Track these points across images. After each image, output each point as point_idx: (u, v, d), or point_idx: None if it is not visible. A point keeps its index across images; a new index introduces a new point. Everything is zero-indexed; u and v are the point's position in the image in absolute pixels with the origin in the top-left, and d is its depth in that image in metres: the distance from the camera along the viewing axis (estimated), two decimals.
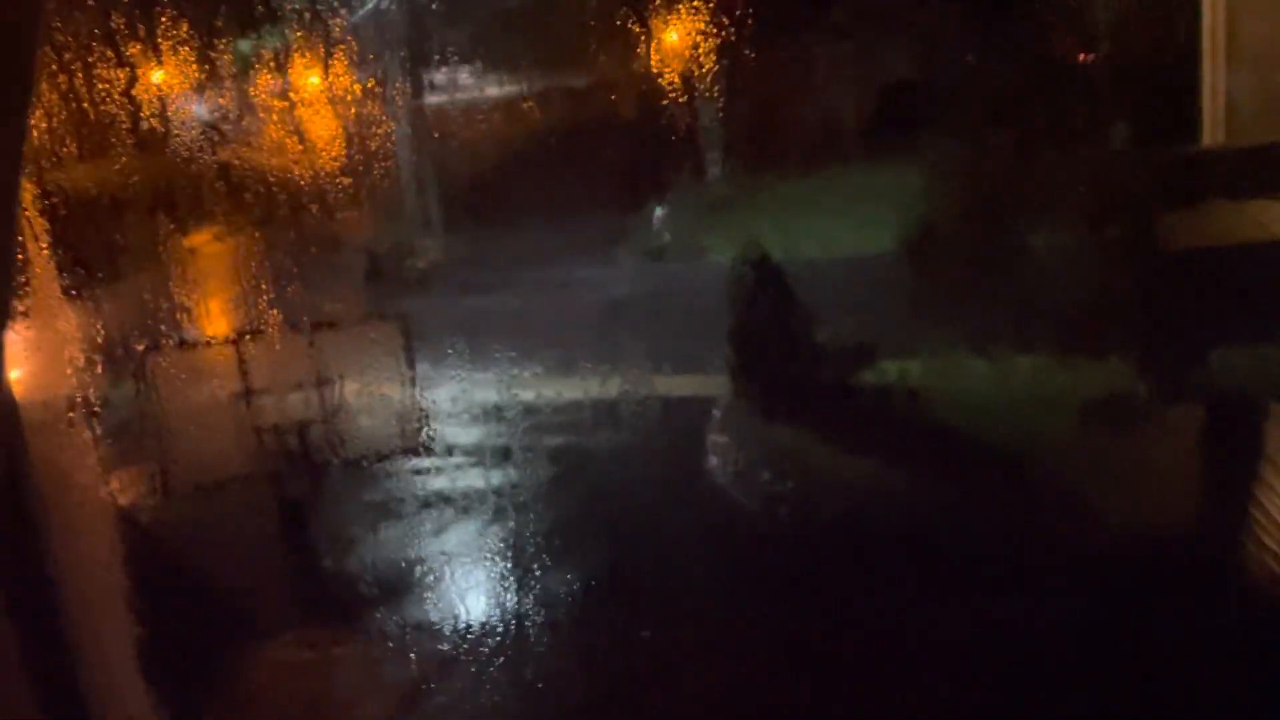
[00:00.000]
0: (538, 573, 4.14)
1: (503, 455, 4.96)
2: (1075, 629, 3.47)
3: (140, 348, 4.94)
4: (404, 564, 4.29)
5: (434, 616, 4.05)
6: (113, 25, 5.38)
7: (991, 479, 4.18)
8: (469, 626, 4.02)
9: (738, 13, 6.02)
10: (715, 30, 6.17)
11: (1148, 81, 5.29)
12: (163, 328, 5.05)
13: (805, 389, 5.01)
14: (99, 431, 3.56)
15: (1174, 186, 4.73)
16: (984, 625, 3.62)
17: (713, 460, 4.88)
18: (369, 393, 5.04)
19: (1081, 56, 5.29)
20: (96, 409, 3.74)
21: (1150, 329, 4.30)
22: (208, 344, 5.27)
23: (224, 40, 6.02)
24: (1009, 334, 4.64)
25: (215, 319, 5.44)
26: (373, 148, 6.30)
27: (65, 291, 4.16)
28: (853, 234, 5.82)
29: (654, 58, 6.46)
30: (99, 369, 4.38)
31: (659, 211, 6.80)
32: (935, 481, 4.30)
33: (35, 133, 4.86)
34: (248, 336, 5.22)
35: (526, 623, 3.95)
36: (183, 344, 5.11)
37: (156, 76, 5.77)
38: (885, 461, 4.49)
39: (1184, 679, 3.29)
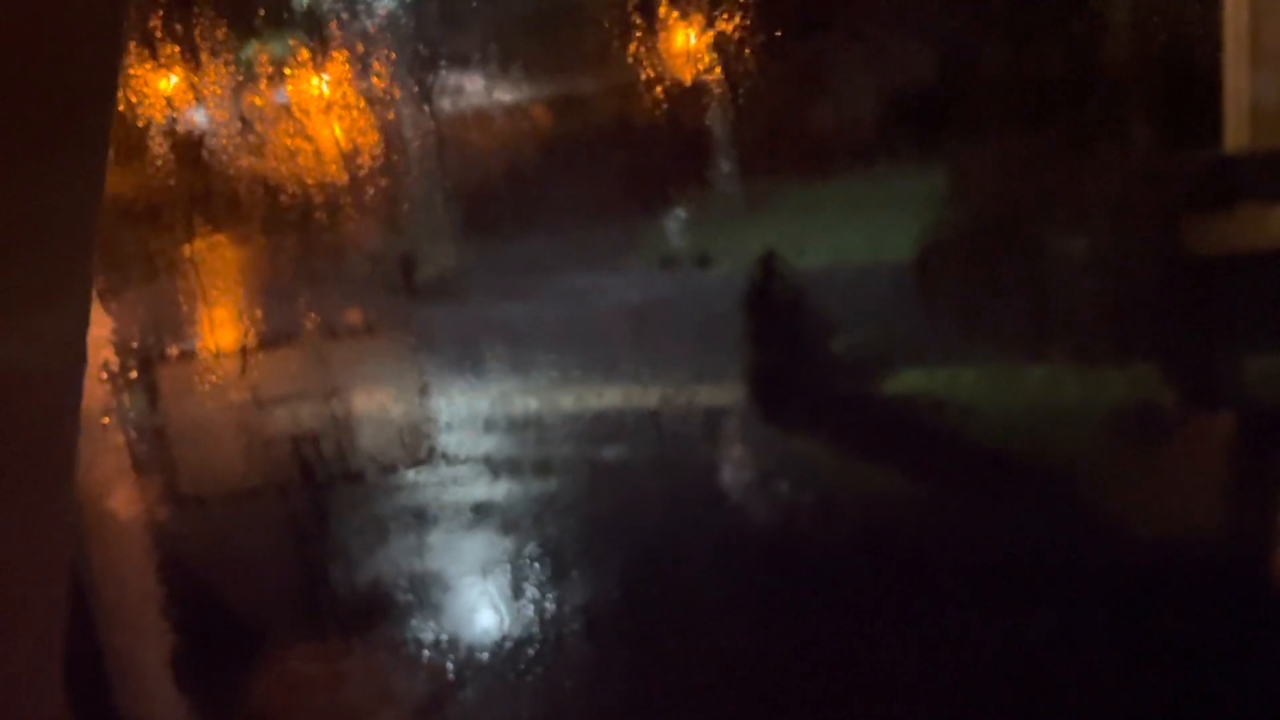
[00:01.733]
0: (552, 587, 4.10)
1: (511, 467, 4.92)
2: (1101, 641, 3.41)
3: (145, 355, 4.92)
4: (422, 577, 4.26)
5: (454, 630, 4.01)
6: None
7: (1014, 488, 4.12)
8: (493, 640, 3.98)
9: (753, 15, 5.97)
10: (729, 34, 6.13)
11: (1169, 84, 5.22)
12: (165, 337, 5.03)
13: (823, 398, 4.96)
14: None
15: (1198, 191, 4.67)
16: (1009, 640, 3.56)
17: (728, 472, 4.83)
18: (380, 403, 5.01)
19: (1101, 58, 5.22)
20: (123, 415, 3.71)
21: (1176, 336, 4.24)
22: (209, 354, 5.23)
23: (230, 46, 6.00)
24: (1030, 342, 4.58)
25: (219, 328, 5.41)
26: (386, 154, 6.27)
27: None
28: (869, 240, 5.76)
29: (669, 63, 6.42)
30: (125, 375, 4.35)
31: (673, 219, 6.74)
32: (957, 492, 4.24)
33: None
34: (272, 345, 5.19)
35: (544, 638, 3.91)
36: (183, 354, 5.09)
37: (163, 82, 5.74)
38: (905, 472, 4.44)
39: (1211, 691, 3.24)
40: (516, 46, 7.03)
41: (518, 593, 4.09)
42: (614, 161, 6.43)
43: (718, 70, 6.36)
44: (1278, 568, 3.38)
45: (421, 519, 4.46)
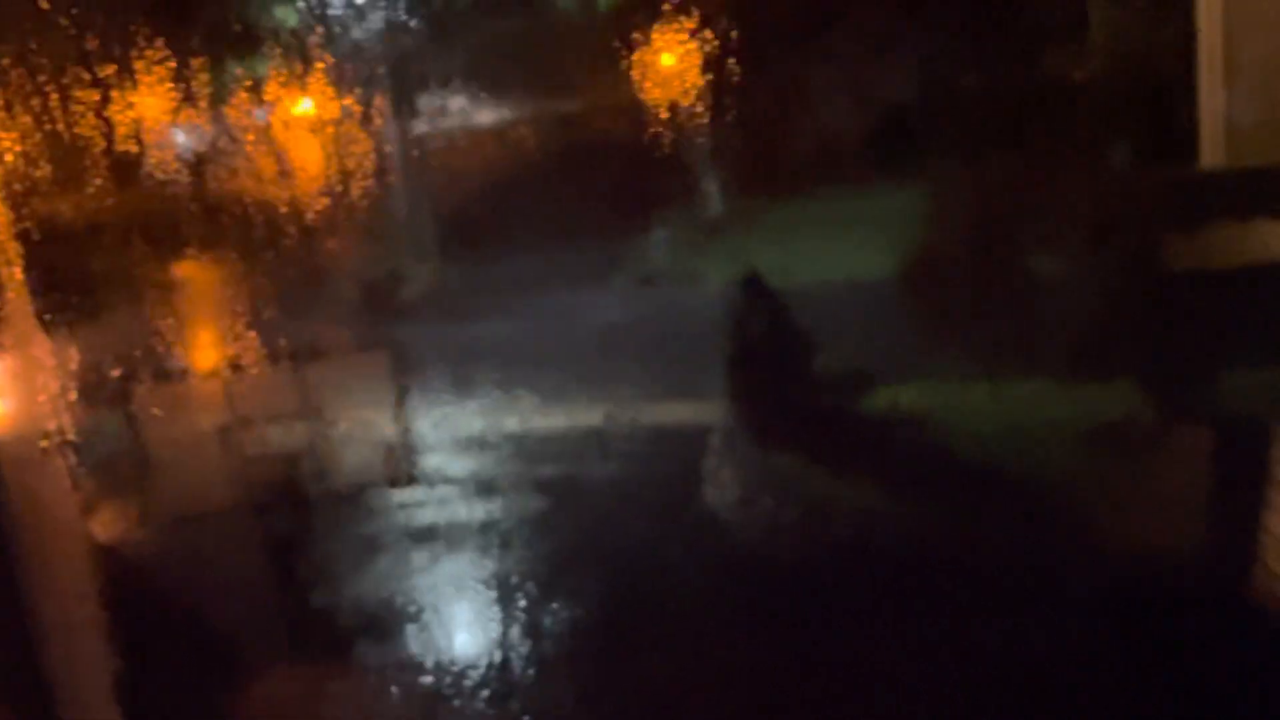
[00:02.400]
0: (531, 608, 4.08)
1: (497, 487, 4.90)
2: (1082, 654, 3.42)
3: (119, 378, 4.89)
4: (393, 599, 4.23)
5: (426, 652, 3.99)
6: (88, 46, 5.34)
7: (994, 505, 4.14)
8: (464, 662, 3.96)
9: (733, 35, 6.01)
10: (709, 54, 6.17)
11: (1144, 102, 5.28)
12: (144, 357, 5.01)
13: (805, 415, 4.97)
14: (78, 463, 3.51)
15: (1174, 208, 4.72)
16: (990, 654, 3.57)
17: (712, 489, 4.83)
18: (356, 424, 4.99)
19: (1077, 78, 5.28)
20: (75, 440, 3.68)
21: (1153, 353, 4.27)
22: (192, 376, 5.21)
23: (206, 63, 5.99)
24: (1008, 359, 4.61)
25: (203, 350, 5.39)
26: (363, 172, 6.27)
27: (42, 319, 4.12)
28: (849, 258, 5.79)
29: (648, 81, 6.45)
30: (78, 399, 4.32)
31: (654, 236, 6.76)
32: (939, 508, 4.26)
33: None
34: (237, 367, 5.17)
35: (522, 660, 3.89)
36: (167, 375, 5.07)
37: (137, 99, 5.73)
38: (887, 489, 4.45)
39: (1190, 704, 3.25)
40: (497, 67, 7.05)
41: (500, 614, 4.07)
42: (595, 181, 6.45)
43: (698, 91, 6.40)
44: (1254, 581, 3.41)
45: (402, 541, 4.44)
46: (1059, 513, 3.89)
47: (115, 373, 5.01)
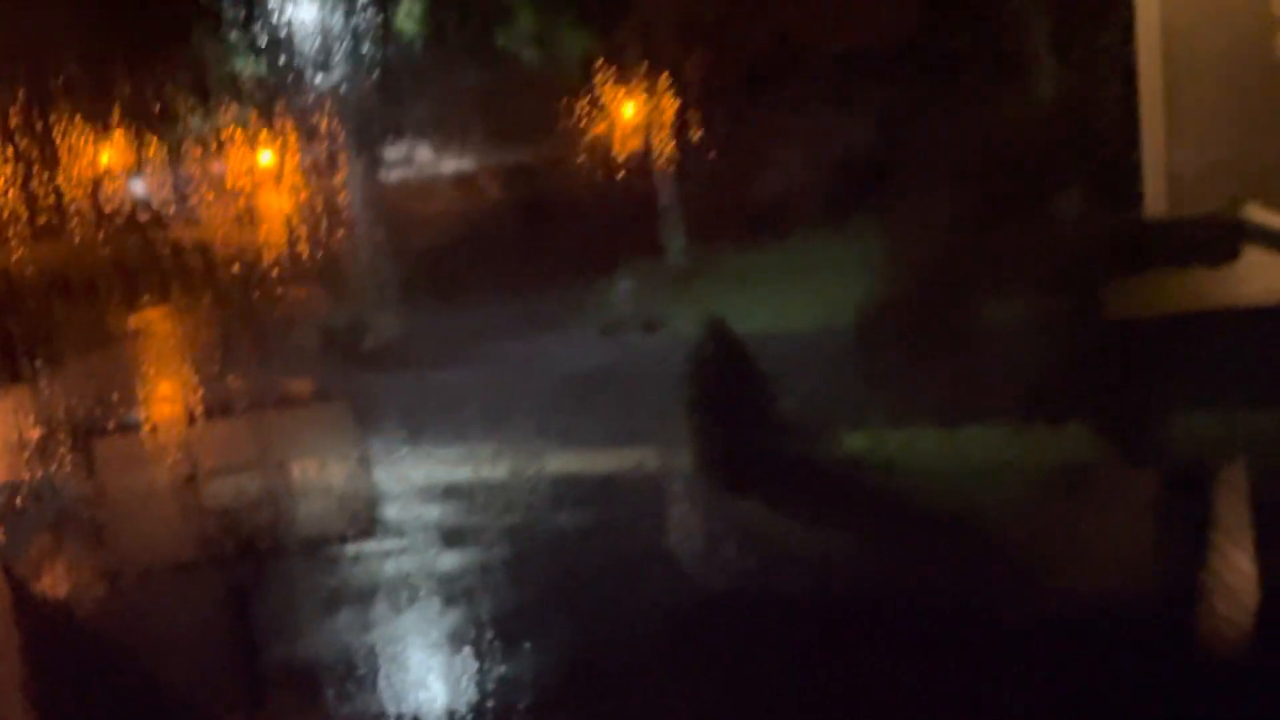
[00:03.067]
0: (497, 657, 4.06)
1: (459, 537, 4.88)
2: (1039, 693, 3.47)
3: (78, 432, 4.85)
4: (355, 652, 4.19)
5: (389, 705, 3.96)
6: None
7: (947, 545, 4.19)
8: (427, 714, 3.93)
9: (694, 90, 6.14)
10: (672, 108, 6.29)
11: (1089, 153, 5.44)
12: (103, 411, 4.97)
13: (766, 462, 5.01)
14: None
15: (1117, 256, 4.84)
16: (949, 695, 3.61)
17: (674, 536, 4.85)
18: (318, 474, 4.96)
19: (1026, 132, 5.45)
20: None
21: (1101, 398, 4.36)
22: (151, 427, 5.17)
23: (167, 119, 6.02)
24: (959, 403, 4.69)
25: (161, 401, 5.36)
26: (325, 225, 6.29)
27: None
28: (802, 307, 5.88)
29: (612, 134, 6.56)
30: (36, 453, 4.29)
31: (618, 286, 6.83)
32: (896, 551, 4.30)
33: None
34: (194, 418, 5.14)
35: (486, 711, 3.87)
36: (125, 427, 5.03)
37: (100, 156, 5.75)
38: (846, 533, 4.49)
39: None
40: (462, 119, 7.13)
41: (464, 663, 4.04)
42: (557, 231, 6.51)
43: (660, 143, 6.50)
44: (1199, 618, 3.48)
45: (364, 592, 4.41)
46: (1009, 553, 3.94)
47: (68, 427, 4.96)
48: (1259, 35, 5.18)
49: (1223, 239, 4.70)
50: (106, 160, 5.83)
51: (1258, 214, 4.89)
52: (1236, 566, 3.63)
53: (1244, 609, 3.52)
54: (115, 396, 5.14)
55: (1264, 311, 4.28)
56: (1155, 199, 5.25)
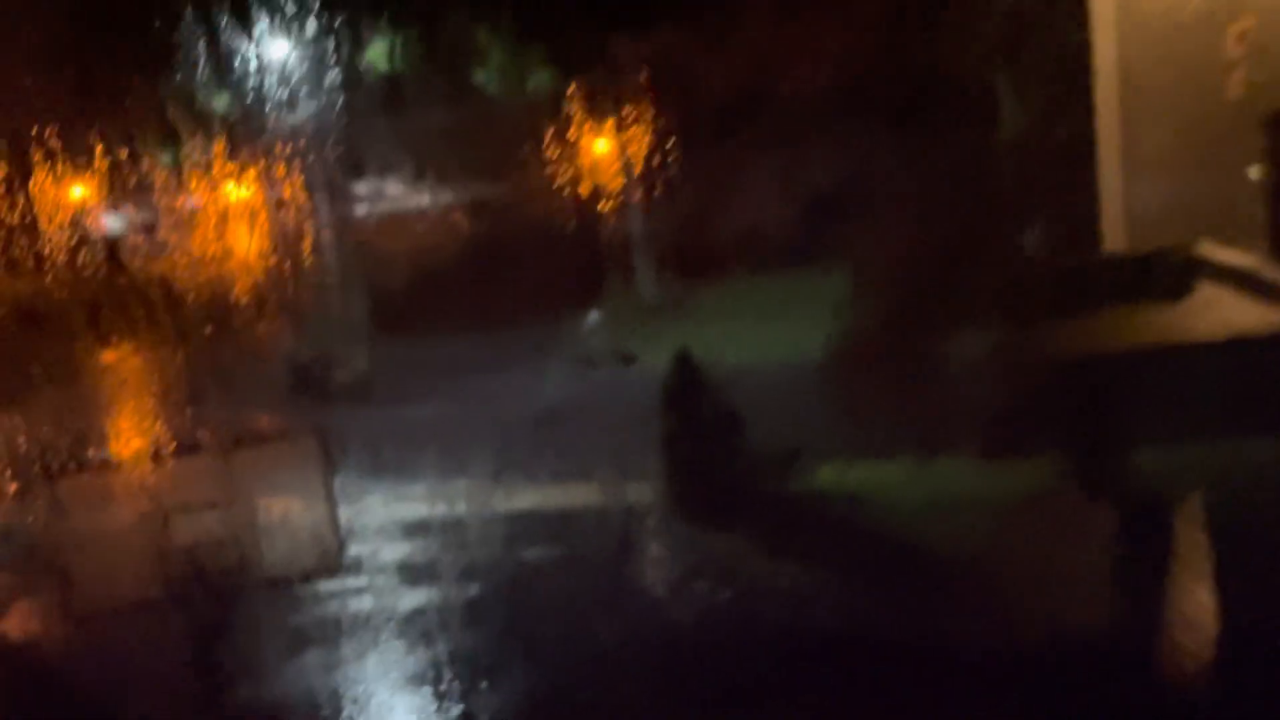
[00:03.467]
0: (474, 693, 4.04)
1: (428, 573, 4.86)
2: None
3: (40, 471, 4.80)
4: (320, 691, 4.15)
5: None
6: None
7: (915, 576, 4.22)
8: None
9: (665, 125, 6.21)
10: (643, 143, 6.34)
11: (1049, 191, 5.54)
12: (69, 448, 4.92)
13: (738, 495, 5.03)
14: None
15: (1074, 293, 4.93)
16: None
17: (648, 570, 4.85)
18: (287, 511, 4.92)
19: (987, 168, 5.54)
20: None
21: (1059, 431, 4.42)
22: (116, 465, 5.12)
23: (130, 153, 5.99)
24: (924, 437, 4.73)
25: (127, 438, 5.31)
26: (294, 261, 6.28)
27: None
28: (772, 341, 5.93)
29: (584, 170, 6.61)
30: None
31: (589, 319, 6.86)
32: (866, 583, 4.32)
33: None
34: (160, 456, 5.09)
35: None
36: (90, 465, 4.97)
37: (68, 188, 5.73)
38: (817, 565, 4.51)
39: None
40: (432, 156, 7.17)
41: (431, 702, 4.01)
42: (530, 266, 6.54)
43: (630, 178, 6.56)
44: (1160, 649, 3.52)
45: (333, 631, 4.38)
46: (974, 584, 3.98)
47: (32, 463, 4.91)
48: (1212, 76, 5.34)
49: (1177, 275, 4.80)
50: (71, 195, 5.81)
51: (1211, 250, 5.02)
52: (1196, 598, 3.68)
53: (1204, 640, 3.57)
54: (79, 434, 5.09)
55: (1217, 346, 4.36)
56: (1113, 236, 5.36)
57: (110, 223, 6.33)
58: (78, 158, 5.65)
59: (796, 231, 6.13)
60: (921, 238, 5.24)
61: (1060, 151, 5.67)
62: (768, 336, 5.93)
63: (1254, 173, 5.14)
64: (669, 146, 6.25)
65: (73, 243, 5.69)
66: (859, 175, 5.72)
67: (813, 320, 5.58)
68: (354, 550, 4.96)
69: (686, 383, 5.34)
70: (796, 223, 6.16)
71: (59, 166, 5.54)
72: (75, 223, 5.80)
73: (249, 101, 6.32)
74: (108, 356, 5.83)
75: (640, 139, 6.37)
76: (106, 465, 5.18)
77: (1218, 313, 4.62)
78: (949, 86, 5.57)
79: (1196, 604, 3.68)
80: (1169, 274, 4.83)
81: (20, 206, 5.51)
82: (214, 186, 6.22)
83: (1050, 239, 5.47)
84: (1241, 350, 4.22)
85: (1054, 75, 5.69)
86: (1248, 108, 5.23)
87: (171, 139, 6.29)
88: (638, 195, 6.71)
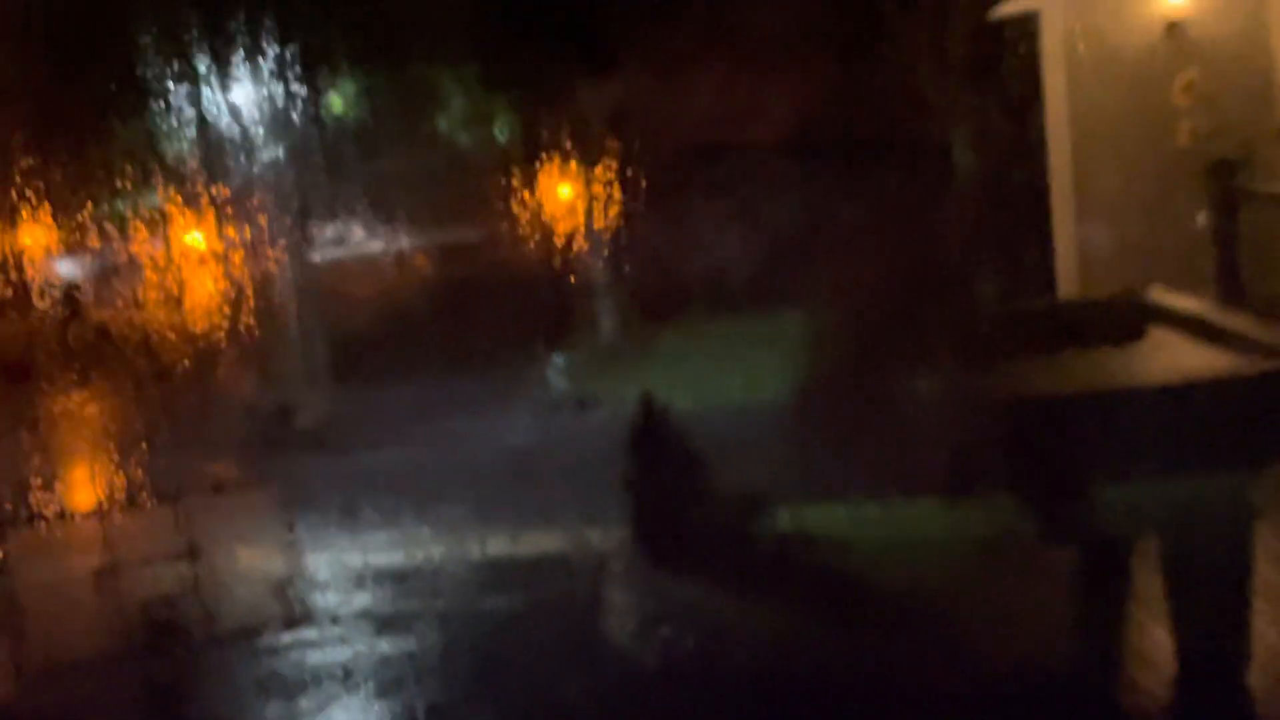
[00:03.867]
0: None
1: (392, 622, 4.81)
2: None
3: None
4: None
5: None
6: None
7: (876, 616, 4.24)
8: None
9: (626, 169, 6.26)
10: (605, 188, 6.40)
11: (1004, 238, 5.65)
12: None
13: (701, 537, 5.03)
14: None
15: (1029, 337, 5.02)
16: None
17: (611, 613, 4.83)
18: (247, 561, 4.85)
19: (943, 215, 5.63)
20: None
21: (1015, 473, 4.47)
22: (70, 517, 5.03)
23: (89, 198, 5.95)
24: (883, 479, 4.77)
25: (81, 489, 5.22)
26: (255, 306, 6.24)
27: None
28: (734, 383, 5.96)
29: (545, 214, 6.64)
30: None
31: (551, 364, 6.86)
32: (827, 623, 4.34)
33: None
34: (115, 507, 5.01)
35: None
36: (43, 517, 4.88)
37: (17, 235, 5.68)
38: (780, 606, 4.52)
39: None
40: (395, 200, 7.17)
41: None
42: (491, 310, 6.54)
43: (592, 221, 6.60)
44: (1116, 688, 3.57)
45: (292, 682, 4.31)
46: (934, 623, 4.00)
47: None
48: (1162, 125, 5.51)
49: (1130, 320, 4.90)
50: (27, 240, 5.75)
51: (1162, 295, 5.14)
52: (1151, 637, 3.74)
53: (1160, 679, 3.62)
54: (34, 484, 5.01)
55: (1168, 389, 4.46)
56: (1067, 281, 5.48)
57: (62, 269, 6.26)
58: (31, 201, 5.61)
59: (757, 275, 6.19)
60: (878, 282, 5.31)
61: (1015, 198, 5.79)
62: (730, 379, 5.97)
63: (1200, 219, 5.28)
64: (630, 191, 6.31)
65: (18, 289, 5.63)
66: (817, 220, 5.80)
67: (773, 363, 5.63)
68: (317, 599, 4.89)
69: (649, 426, 5.35)
70: (757, 266, 6.22)
71: (10, 209, 5.50)
72: (29, 268, 5.74)
73: (204, 148, 6.31)
74: (66, 405, 5.75)
75: (602, 183, 6.42)
76: (64, 516, 5.09)
77: (1169, 356, 4.73)
78: (906, 133, 5.68)
79: (1153, 642, 3.74)
80: (1122, 318, 4.93)
81: None
82: (172, 233, 6.18)
83: (1006, 283, 5.57)
84: (1191, 393, 4.31)
85: (1008, 124, 5.82)
86: (1194, 156, 5.39)
87: (128, 183, 6.25)
88: (600, 239, 6.75)
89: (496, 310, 6.49)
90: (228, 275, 6.32)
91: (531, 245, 6.53)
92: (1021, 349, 4.92)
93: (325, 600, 4.90)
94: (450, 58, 7.27)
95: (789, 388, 5.41)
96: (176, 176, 6.37)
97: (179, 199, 6.22)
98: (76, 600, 4.59)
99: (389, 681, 4.38)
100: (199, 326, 6.01)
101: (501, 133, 7.33)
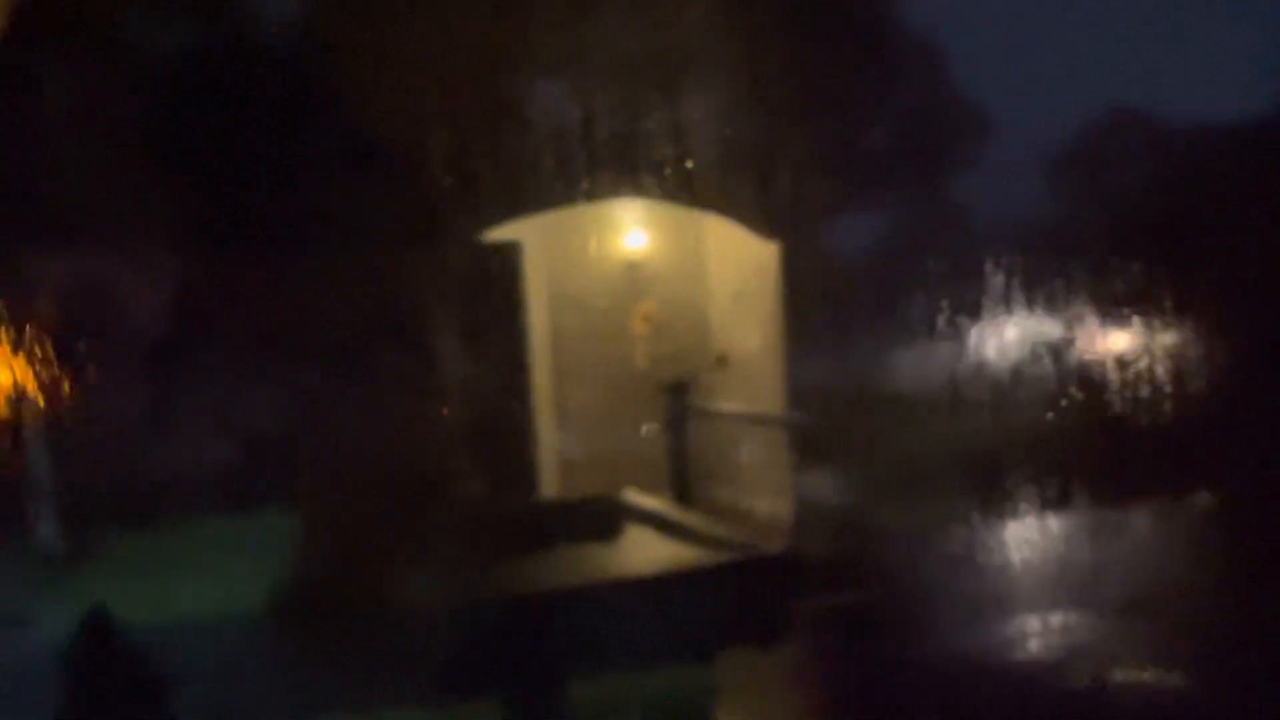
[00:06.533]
0: None
1: None
2: None
3: None
4: None
5: None
6: None
7: None
8: None
9: (72, 355, 5.64)
10: (48, 375, 5.71)
11: (491, 441, 5.88)
12: None
13: None
14: None
15: (514, 536, 5.25)
16: None
17: None
18: None
19: (442, 412, 5.76)
20: None
21: (505, 671, 4.51)
22: None
23: None
24: (369, 689, 4.57)
25: None
26: None
27: None
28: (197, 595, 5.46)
29: None
30: None
31: None
32: None
33: None
34: None
35: None
36: None
37: None
38: None
39: None
40: None
41: None
42: None
43: (31, 413, 5.79)
44: None
45: None
46: None
47: None
48: (626, 349, 6.32)
49: (606, 518, 5.42)
50: None
51: (634, 497, 5.78)
52: None
53: None
54: None
55: (644, 581, 4.87)
56: (549, 483, 5.88)
57: None
58: None
59: (234, 473, 5.82)
60: (366, 481, 5.25)
61: (501, 409, 6.11)
62: (199, 589, 5.43)
63: (646, 431, 6.04)
64: (81, 379, 5.68)
65: None
66: (302, 417, 5.64)
67: (247, 569, 5.25)
68: None
69: (95, 647, 4.67)
70: (234, 464, 5.85)
71: None
72: None
73: None
74: None
75: (45, 372, 5.72)
76: None
77: (642, 551, 5.28)
78: (397, 338, 5.80)
79: None
80: (599, 517, 5.38)
81: None
82: None
83: (492, 485, 5.78)
84: (662, 584, 4.77)
85: (495, 341, 6.21)
86: (652, 377, 6.23)
87: None
88: (40, 432, 5.94)
89: None
90: None
91: None
92: (507, 548, 5.13)
93: None
94: None
95: (265, 596, 5.04)
96: None
97: None
98: None
99: None
100: None
101: None
